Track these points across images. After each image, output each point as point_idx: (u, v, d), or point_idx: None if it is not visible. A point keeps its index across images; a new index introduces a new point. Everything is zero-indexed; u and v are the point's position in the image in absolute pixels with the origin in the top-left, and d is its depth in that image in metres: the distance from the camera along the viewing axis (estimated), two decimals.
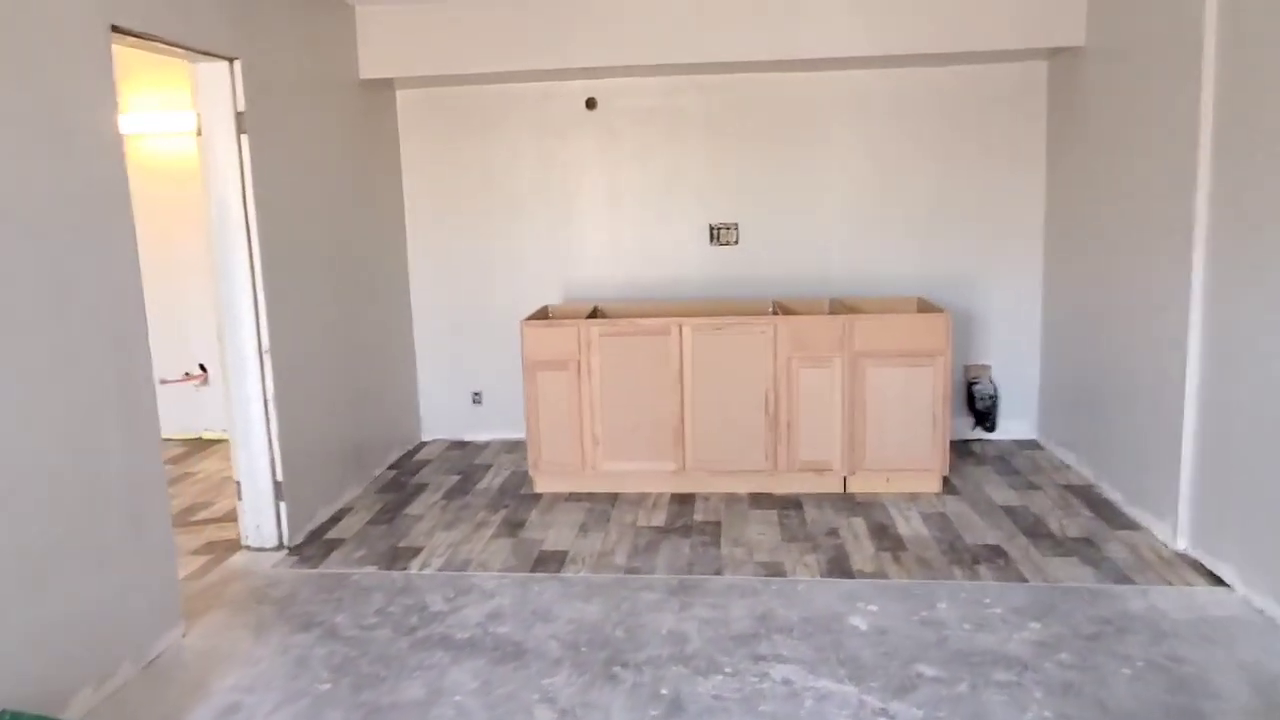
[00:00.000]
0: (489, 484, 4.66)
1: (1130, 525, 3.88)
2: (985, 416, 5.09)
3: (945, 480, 4.43)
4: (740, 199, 5.08)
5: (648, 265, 5.17)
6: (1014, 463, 4.78)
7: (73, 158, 2.64)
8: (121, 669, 2.79)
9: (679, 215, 5.12)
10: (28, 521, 2.44)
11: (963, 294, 5.06)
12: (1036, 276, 5.02)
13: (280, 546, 3.85)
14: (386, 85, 4.96)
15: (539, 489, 4.51)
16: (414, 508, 4.34)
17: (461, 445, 5.39)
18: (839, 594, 3.31)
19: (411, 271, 5.34)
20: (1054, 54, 4.65)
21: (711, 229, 5.11)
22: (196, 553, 3.85)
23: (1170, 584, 3.32)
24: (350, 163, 4.61)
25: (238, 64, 3.53)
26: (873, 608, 3.20)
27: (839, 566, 3.55)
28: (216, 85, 3.53)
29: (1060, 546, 3.68)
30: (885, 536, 3.84)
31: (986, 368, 5.13)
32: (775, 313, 4.58)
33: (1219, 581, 3.31)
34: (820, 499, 4.29)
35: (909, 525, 3.96)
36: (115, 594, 2.77)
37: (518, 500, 4.40)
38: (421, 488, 4.63)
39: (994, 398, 5.07)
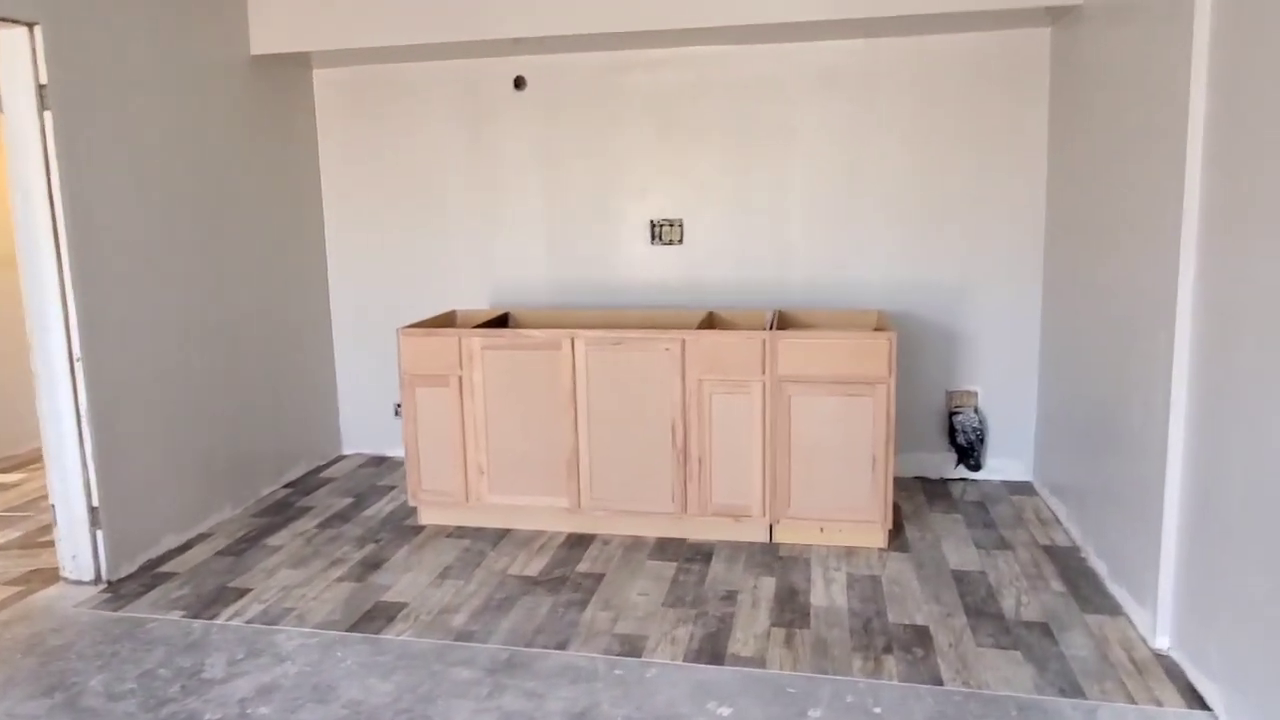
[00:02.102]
0: (376, 511, 4.14)
1: (1106, 608, 3.06)
2: (968, 453, 4.27)
3: (894, 533, 3.67)
4: (686, 192, 4.40)
5: (581, 266, 4.55)
6: (993, 511, 3.96)
7: None
8: None
9: (617, 211, 4.48)
10: None
11: (945, 307, 4.26)
12: (1035, 286, 4.17)
13: (97, 580, 3.41)
14: (296, 64, 4.49)
15: (423, 520, 3.96)
16: (278, 537, 3.85)
17: (379, 461, 4.89)
18: (692, 686, 2.64)
19: (331, 271, 4.86)
20: (1057, 16, 3.81)
21: (652, 226, 4.45)
22: (12, 582, 3.45)
23: (1132, 701, 2.52)
24: (239, 149, 4.14)
25: (38, 29, 3.08)
26: (724, 710, 2.52)
27: (712, 646, 2.87)
28: (14, 55, 3.09)
29: (1006, 634, 2.91)
30: (790, 606, 3.13)
31: (972, 394, 4.31)
32: (706, 326, 3.90)
33: (1200, 702, 2.50)
34: (737, 550, 3.60)
35: (827, 592, 3.23)
36: None
37: (395, 533, 3.86)
38: (303, 512, 4.14)
39: (979, 431, 4.25)
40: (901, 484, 4.31)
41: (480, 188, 4.60)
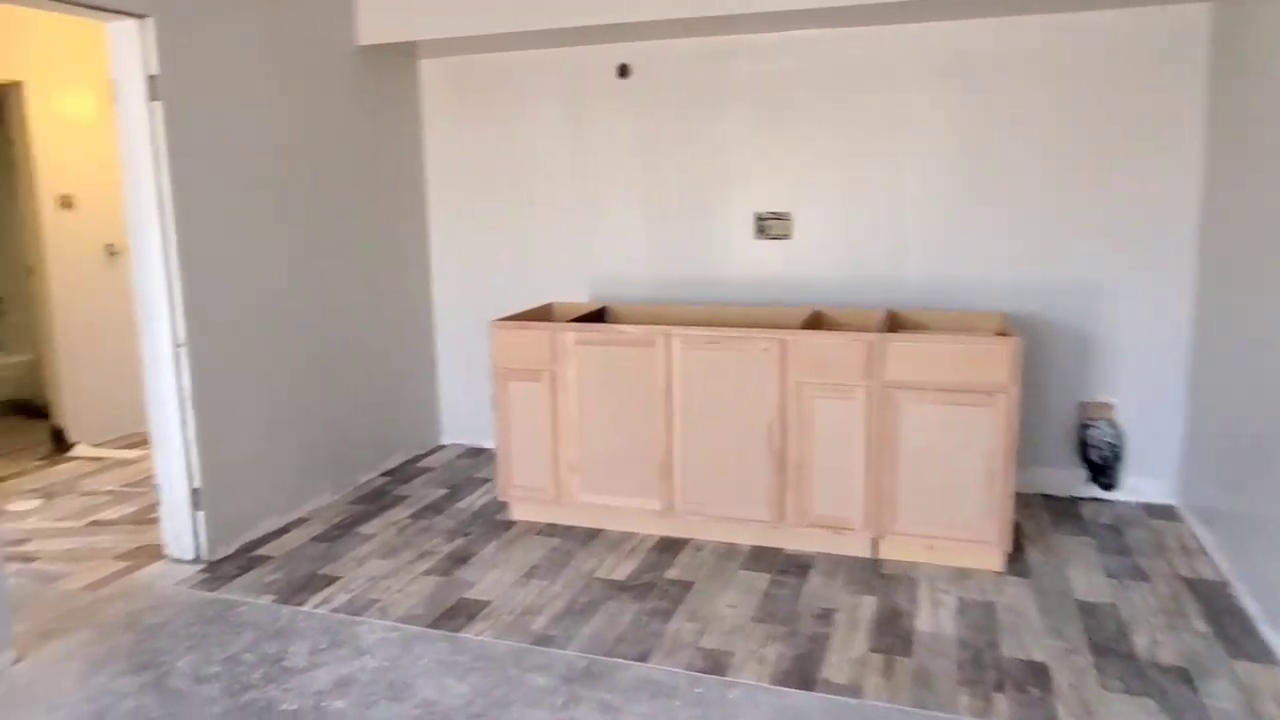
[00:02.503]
0: (469, 504, 4.10)
1: (1259, 655, 2.69)
2: (1102, 470, 3.89)
3: (1013, 555, 3.37)
4: (794, 185, 4.17)
5: (681, 260, 4.39)
6: (1128, 536, 3.59)
7: None
8: None
9: (720, 203, 4.29)
10: None
11: (1079, 310, 3.88)
12: (1184, 289, 3.75)
13: (197, 560, 3.49)
14: (402, 54, 4.50)
15: (514, 515, 3.89)
16: (371, 525, 3.86)
17: (476, 453, 4.87)
18: (777, 712, 2.45)
19: (433, 262, 4.87)
20: None
21: (758, 219, 4.24)
22: (120, 557, 3.57)
23: None
24: (343, 140, 4.18)
25: (149, 21, 3.15)
26: None
27: (802, 669, 2.67)
28: (126, 46, 3.17)
29: (1138, 678, 2.59)
30: (892, 630, 2.89)
31: (1108, 407, 3.92)
32: (810, 325, 3.68)
33: None
34: (836, 564, 3.37)
35: (933, 617, 2.97)
36: None
37: (485, 528, 3.80)
38: (398, 501, 4.15)
39: (1115, 446, 3.86)
40: (1023, 501, 3.97)
41: (581, 178, 4.51)
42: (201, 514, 3.45)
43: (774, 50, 4.10)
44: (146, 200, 3.24)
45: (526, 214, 4.64)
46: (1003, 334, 3.39)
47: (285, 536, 3.75)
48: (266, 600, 3.17)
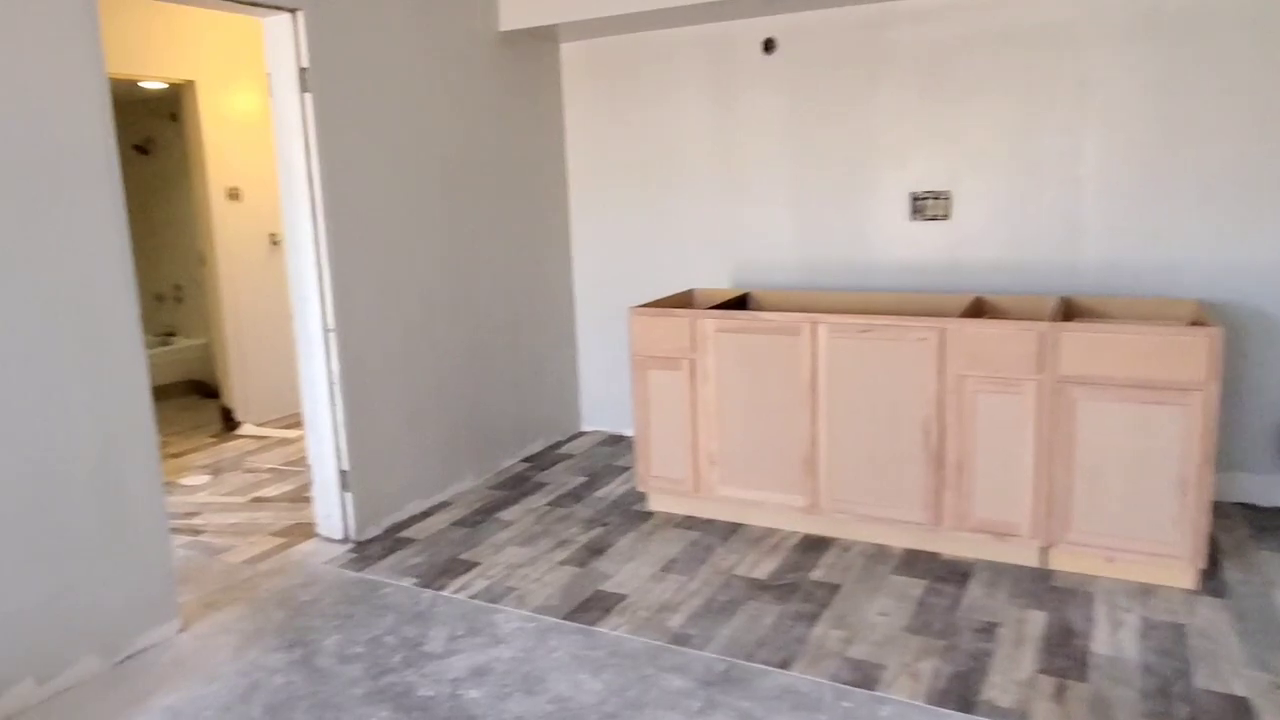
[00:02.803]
0: (608, 493, 4.04)
1: None
2: None
3: (1207, 571, 3.00)
4: (954, 161, 3.87)
5: (830, 244, 4.16)
6: None
7: (44, 118, 2.46)
8: (83, 663, 2.63)
9: (872, 182, 4.04)
10: None
11: None
12: None
13: (345, 540, 3.58)
14: (544, 38, 4.47)
15: (652, 506, 3.80)
16: (511, 512, 3.86)
17: (616, 440, 4.82)
18: None
19: (575, 248, 4.84)
20: None
21: (913, 199, 3.96)
22: (277, 534, 3.72)
23: None
24: (486, 126, 4.19)
25: (300, 15, 3.22)
26: None
27: (962, 688, 2.45)
28: (280, 40, 3.25)
29: None
30: (1064, 650, 2.62)
31: None
32: (972, 313, 3.40)
33: None
34: (1000, 573, 3.10)
35: (1113, 638, 2.67)
36: (80, 580, 2.61)
37: (623, 518, 3.74)
38: (538, 488, 4.14)
39: None
40: (1219, 511, 3.55)
41: (724, 160, 4.35)
42: (349, 495, 3.54)
43: (936, 14, 3.80)
44: (299, 190, 3.33)
45: (668, 197, 4.53)
46: (1198, 323, 3.01)
47: (428, 520, 3.80)
48: (409, 583, 3.22)
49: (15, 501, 2.45)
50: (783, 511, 3.49)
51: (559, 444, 4.79)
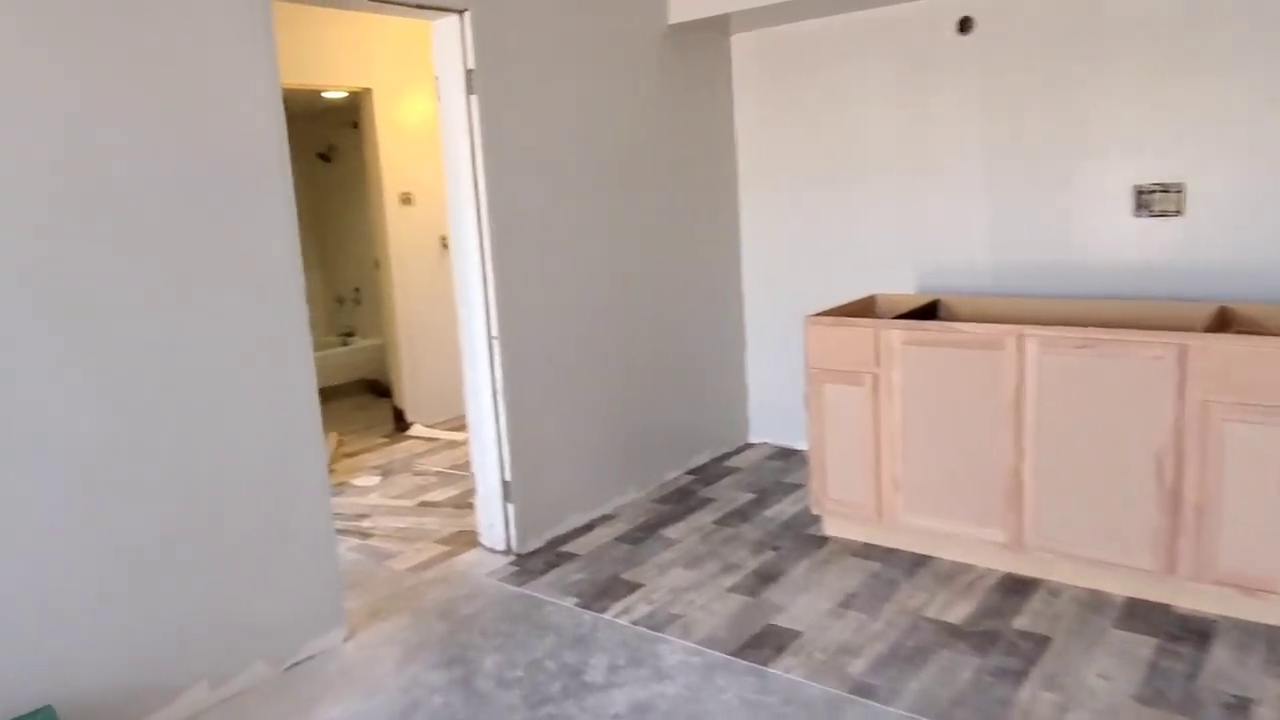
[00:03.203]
0: (778, 513, 3.77)
1: None
2: None
3: None
4: (1187, 148, 3.34)
5: (1034, 245, 3.71)
6: None
7: (222, 124, 2.47)
8: (253, 669, 2.64)
9: (1085, 175, 3.56)
10: (142, 507, 2.35)
11: None
12: None
13: (507, 551, 3.50)
14: (714, 29, 4.24)
15: (828, 530, 3.51)
16: (676, 529, 3.67)
17: (786, 454, 4.53)
18: None
19: (744, 248, 4.59)
20: None
21: (1138, 193, 3.46)
22: (442, 541, 3.69)
23: None
24: (652, 125, 4.01)
25: (467, 16, 3.14)
26: None
27: None
28: (447, 42, 3.19)
29: None
30: None
31: None
32: (1217, 326, 2.90)
33: None
34: (1251, 636, 2.62)
35: None
36: (250, 587, 2.62)
37: (796, 542, 3.46)
38: (704, 504, 3.93)
39: None
40: None
41: (911, 153, 3.98)
42: (511, 506, 3.45)
43: None
44: (464, 194, 3.26)
45: (847, 195, 4.20)
46: None
47: (591, 534, 3.67)
48: (570, 603, 3.08)
49: (188, 507, 2.48)
50: (978, 546, 3.11)
51: (726, 456, 4.56)
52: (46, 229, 2.16)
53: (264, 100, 2.55)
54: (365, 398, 6.30)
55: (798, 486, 4.06)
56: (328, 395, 6.24)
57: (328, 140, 6.46)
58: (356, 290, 6.62)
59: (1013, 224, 3.76)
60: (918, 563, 3.22)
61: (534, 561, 3.43)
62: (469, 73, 3.17)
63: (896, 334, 3.12)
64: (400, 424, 5.44)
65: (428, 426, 5.38)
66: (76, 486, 2.25)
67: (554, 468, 3.62)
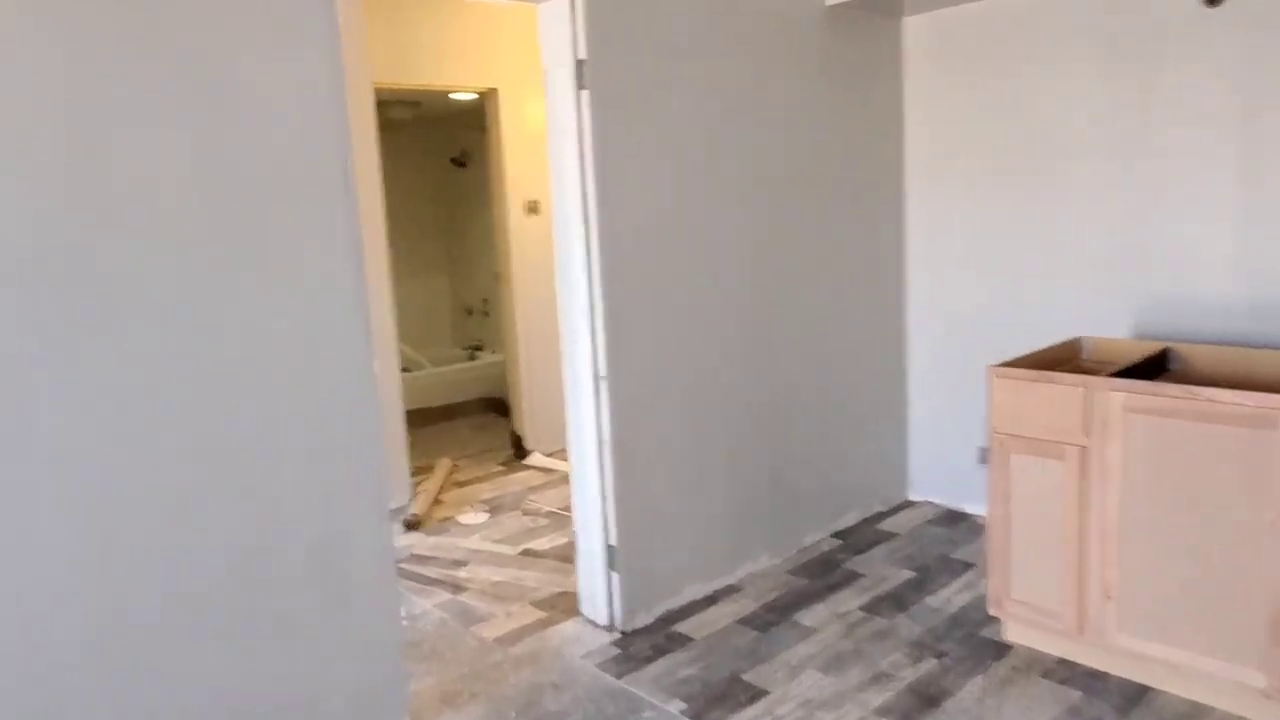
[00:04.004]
0: (944, 601, 3.06)
1: None
2: None
3: None
4: None
5: None
6: None
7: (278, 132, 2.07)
8: None
9: None
10: (152, 566, 1.97)
11: None
12: None
13: (610, 627, 2.97)
14: (883, 11, 3.56)
15: (1009, 636, 2.78)
16: (813, 613, 3.03)
17: (953, 518, 3.78)
18: None
19: (910, 272, 3.88)
20: None
21: None
22: (540, 604, 3.20)
23: None
24: (803, 126, 3.39)
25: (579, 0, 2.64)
26: None
27: None
28: (556, 28, 2.69)
29: None
30: None
31: None
32: None
33: None
34: None
35: None
36: (292, 665, 2.19)
37: (967, 648, 2.75)
38: (850, 580, 3.26)
39: None
40: None
41: (1130, 156, 3.17)
42: (616, 575, 2.92)
43: None
44: (571, 206, 2.75)
45: (1041, 208, 3.42)
46: None
47: (710, 610, 3.08)
48: (676, 709, 2.50)
49: (222, 572, 2.08)
50: (1225, 687, 2.32)
51: (879, 517, 3.86)
52: (51, 242, 1.80)
53: (322, 106, 2.12)
54: (488, 417, 5.96)
55: (968, 566, 3.33)
56: (449, 413, 5.95)
57: (461, 145, 6.18)
58: (485, 301, 6.31)
59: (1271, 248, 2.89)
60: (1134, 696, 2.45)
61: (640, 643, 2.89)
62: (579, 64, 2.66)
63: (1118, 397, 2.36)
64: (518, 451, 5.04)
65: (546, 455, 4.95)
66: (73, 538, 1.88)
67: (670, 528, 3.07)
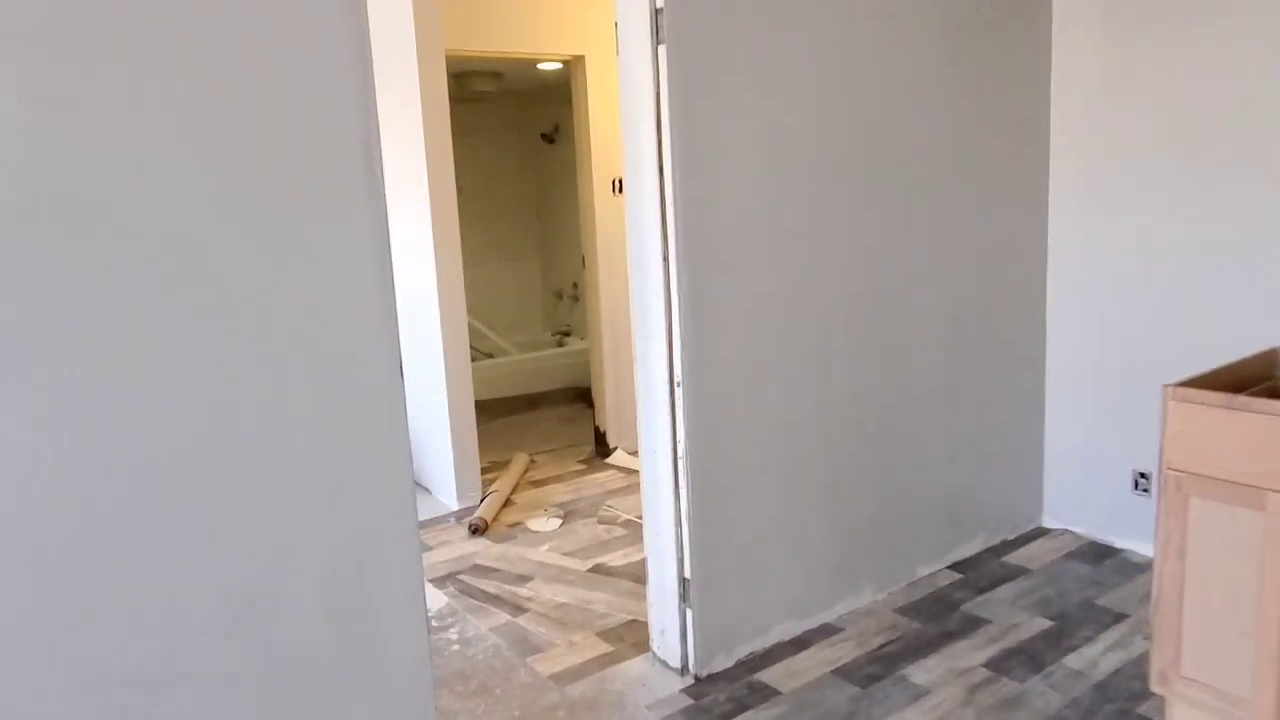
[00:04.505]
0: (1089, 662, 2.53)
1: None
2: None
3: None
4: None
5: None
6: None
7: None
8: None
9: None
10: (125, 615, 1.68)
11: None
12: None
13: (683, 671, 2.56)
14: None
15: (1176, 719, 2.23)
16: (925, 667, 2.55)
17: (1101, 554, 3.21)
18: None
19: (1053, 260, 3.30)
20: None
21: None
22: (605, 634, 2.83)
23: None
24: (925, 89, 2.87)
25: None
26: None
27: None
28: None
29: None
30: None
31: None
32: None
33: None
34: None
35: None
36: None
37: None
38: (971, 627, 2.76)
39: None
40: None
41: None
42: (691, 612, 2.51)
43: None
44: (647, 184, 2.34)
45: (1224, 188, 2.80)
46: None
47: (801, 656, 2.64)
48: None
49: (220, 614, 1.77)
50: None
51: (1006, 546, 3.32)
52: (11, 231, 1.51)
53: (336, 70, 1.77)
54: (576, 407, 5.63)
55: (1119, 618, 2.77)
56: (534, 402, 5.66)
57: (553, 119, 5.83)
58: (575, 286, 5.97)
59: None
60: None
61: (716, 692, 2.48)
62: (657, 12, 2.23)
63: None
64: (601, 448, 4.68)
65: (630, 454, 4.57)
66: (35, 575, 1.60)
67: (756, 557, 2.64)
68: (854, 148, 2.69)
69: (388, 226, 1.87)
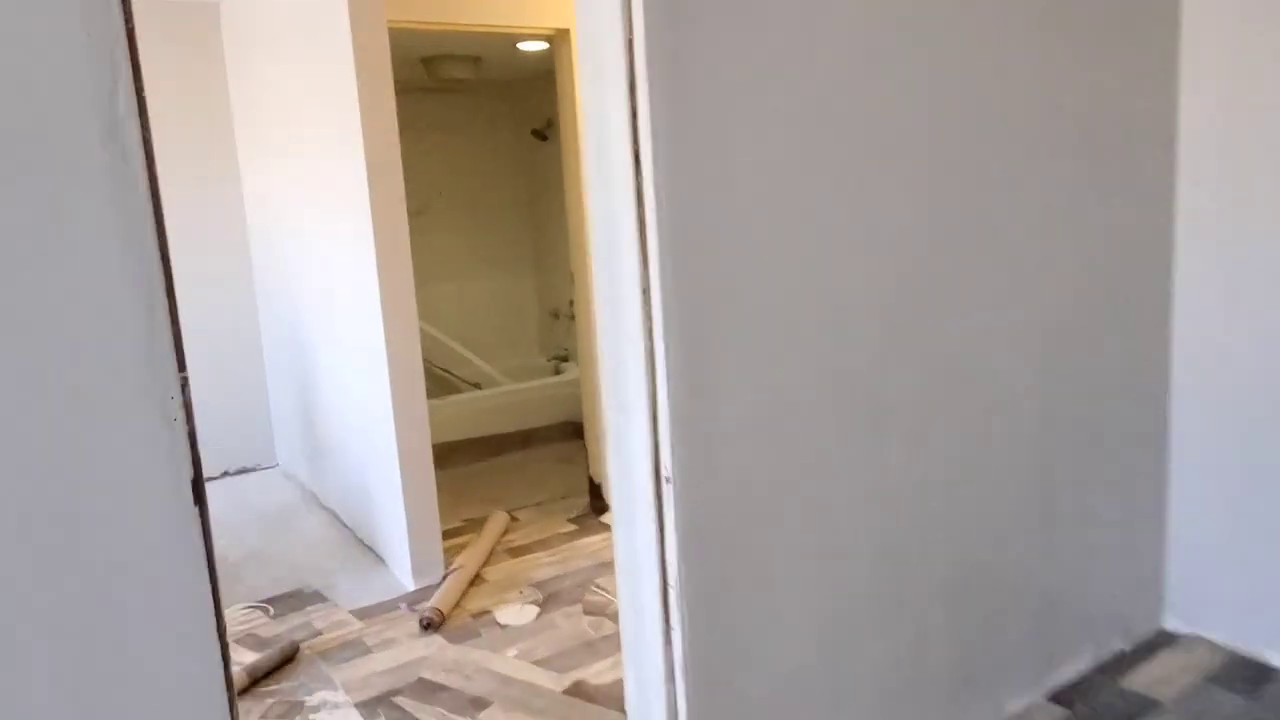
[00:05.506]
0: None
1: None
2: None
3: None
4: None
5: None
6: None
7: None
8: None
9: None
10: None
11: None
12: None
13: None
14: None
15: None
16: None
17: (1253, 675, 2.37)
18: None
19: (1179, 290, 2.47)
20: None
21: None
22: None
23: None
24: (1009, 65, 2.07)
25: None
26: None
27: None
28: None
29: None
30: None
31: None
32: None
33: None
34: None
35: None
36: None
37: None
38: None
39: None
40: None
41: None
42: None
43: None
44: (618, 193, 1.55)
45: None
46: None
47: None
48: None
49: None
50: None
51: (1120, 663, 2.48)
52: None
53: (49, 25, 1.01)
54: (574, 445, 4.84)
55: None
56: (526, 439, 4.89)
57: (546, 113, 5.07)
58: (571, 304, 5.20)
59: None
60: None
61: None
62: None
63: None
64: (596, 501, 3.90)
65: None
66: None
67: (779, 705, 1.84)
68: (916, 122, 1.89)
69: (155, 227, 1.11)
